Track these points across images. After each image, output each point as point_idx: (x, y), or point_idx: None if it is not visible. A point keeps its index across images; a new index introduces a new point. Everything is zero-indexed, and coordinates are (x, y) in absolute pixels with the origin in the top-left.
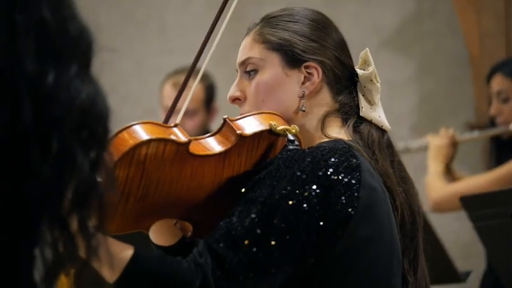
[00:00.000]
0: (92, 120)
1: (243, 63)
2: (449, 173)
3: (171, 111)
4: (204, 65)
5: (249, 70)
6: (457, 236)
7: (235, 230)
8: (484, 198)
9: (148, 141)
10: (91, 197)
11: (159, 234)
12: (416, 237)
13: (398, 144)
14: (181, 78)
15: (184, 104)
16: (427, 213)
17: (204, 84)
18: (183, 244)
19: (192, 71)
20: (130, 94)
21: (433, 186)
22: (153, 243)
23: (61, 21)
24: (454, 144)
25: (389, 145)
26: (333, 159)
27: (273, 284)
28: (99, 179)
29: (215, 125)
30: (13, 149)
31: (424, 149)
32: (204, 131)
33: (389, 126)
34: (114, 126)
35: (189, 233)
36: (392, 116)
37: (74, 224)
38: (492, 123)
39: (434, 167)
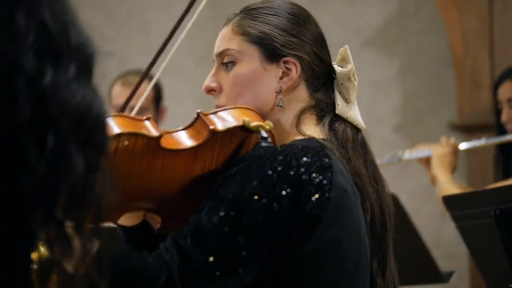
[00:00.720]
0: (89, 124)
1: (221, 54)
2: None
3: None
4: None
5: (227, 62)
6: (440, 235)
7: (204, 227)
8: (466, 198)
9: (119, 135)
10: (87, 199)
11: (126, 219)
12: (385, 238)
13: (394, 158)
14: (130, 78)
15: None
16: (409, 213)
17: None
18: (144, 226)
19: (149, 68)
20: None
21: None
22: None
23: (62, 25)
24: (456, 153)
25: (363, 144)
26: (305, 159)
27: (240, 282)
28: (97, 183)
29: (163, 125)
30: (10, 146)
31: (422, 160)
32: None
33: (364, 125)
34: None
35: (158, 226)
36: (375, 115)
37: (70, 225)
38: (502, 130)
39: (444, 176)
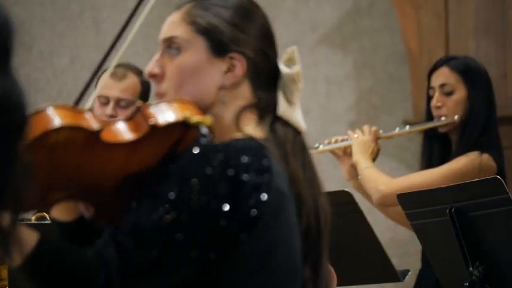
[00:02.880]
0: (5, 117)
1: (168, 40)
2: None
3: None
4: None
5: (173, 49)
6: (395, 233)
7: (143, 225)
8: (421, 196)
9: (59, 129)
10: (3, 192)
11: (57, 209)
12: (319, 244)
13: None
14: (119, 70)
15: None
16: (364, 211)
17: (140, 79)
18: (81, 223)
19: (103, 61)
20: (64, 90)
21: (378, 179)
22: (51, 217)
23: None
24: (376, 141)
25: (302, 147)
26: (244, 159)
27: (178, 281)
28: (15, 173)
29: None
30: None
31: (339, 151)
32: None
33: (304, 128)
34: None
35: (89, 214)
36: (329, 113)
37: None
38: (430, 117)
39: (367, 161)
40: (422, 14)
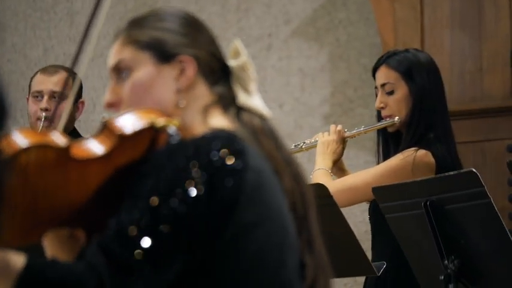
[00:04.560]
0: None
1: (115, 66)
2: (342, 170)
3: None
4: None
5: (122, 73)
6: (369, 226)
7: (125, 225)
8: (396, 189)
9: (27, 149)
10: None
11: (57, 251)
12: (308, 218)
13: (295, 148)
14: (50, 68)
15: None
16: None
17: (72, 76)
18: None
19: (76, 58)
20: None
21: (319, 181)
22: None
23: None
24: (342, 140)
25: (272, 131)
26: (216, 146)
27: (169, 276)
28: None
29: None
30: None
31: (315, 146)
32: (72, 118)
33: (268, 114)
34: (21, 116)
35: (83, 241)
36: (304, 106)
37: None
38: (379, 116)
39: (321, 162)
40: (398, 6)
